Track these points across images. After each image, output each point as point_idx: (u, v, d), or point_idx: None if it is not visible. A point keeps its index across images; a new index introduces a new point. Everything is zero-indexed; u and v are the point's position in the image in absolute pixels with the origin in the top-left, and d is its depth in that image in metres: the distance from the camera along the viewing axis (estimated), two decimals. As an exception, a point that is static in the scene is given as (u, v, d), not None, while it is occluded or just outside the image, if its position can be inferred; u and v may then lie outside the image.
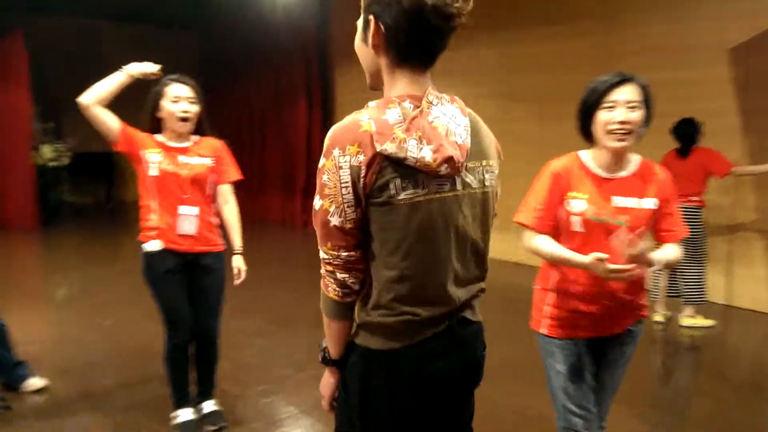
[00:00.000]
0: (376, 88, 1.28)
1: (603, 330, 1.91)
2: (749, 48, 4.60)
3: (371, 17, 1.18)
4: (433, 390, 1.26)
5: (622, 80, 1.79)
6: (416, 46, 1.18)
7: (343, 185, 1.14)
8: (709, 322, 4.36)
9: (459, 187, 1.21)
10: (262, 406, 3.06)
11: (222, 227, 2.71)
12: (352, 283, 1.23)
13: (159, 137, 2.59)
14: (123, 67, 2.50)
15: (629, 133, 1.78)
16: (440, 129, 1.17)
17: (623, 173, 1.87)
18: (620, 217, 1.80)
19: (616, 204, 1.82)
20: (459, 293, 1.26)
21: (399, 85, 1.21)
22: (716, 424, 2.94)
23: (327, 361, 1.33)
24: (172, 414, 2.73)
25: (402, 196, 1.15)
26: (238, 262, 2.73)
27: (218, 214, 2.72)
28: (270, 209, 10.22)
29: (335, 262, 1.21)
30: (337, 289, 1.23)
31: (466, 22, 1.18)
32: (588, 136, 1.89)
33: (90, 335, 4.06)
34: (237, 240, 2.72)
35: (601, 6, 5.58)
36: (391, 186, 1.14)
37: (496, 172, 1.31)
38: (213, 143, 2.71)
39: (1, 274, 5.98)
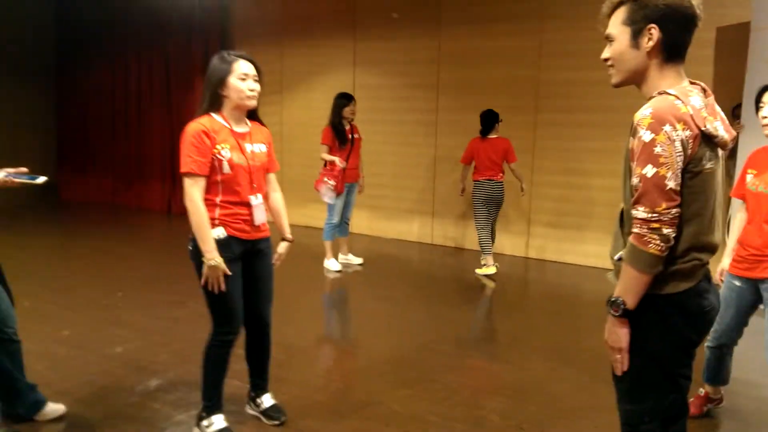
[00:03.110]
0: (624, 85, 1.57)
1: None
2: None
3: (651, 25, 1.47)
4: (707, 320, 1.58)
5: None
6: (683, 47, 1.51)
7: (677, 154, 1.41)
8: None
9: (720, 155, 1.55)
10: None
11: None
12: (673, 237, 1.45)
13: (219, 119, 2.44)
14: None
15: None
16: (717, 110, 1.52)
17: None
18: None
19: None
20: (717, 243, 1.56)
21: (667, 79, 1.51)
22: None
23: (626, 313, 1.51)
24: (204, 423, 2.55)
25: (708, 166, 1.47)
26: (284, 249, 2.74)
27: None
28: (151, 197, 9.49)
29: (664, 219, 1.42)
30: (661, 244, 1.43)
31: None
32: None
33: (54, 348, 3.55)
34: (287, 227, 2.77)
35: (533, 8, 6.13)
36: (704, 158, 1.46)
37: None
38: (265, 130, 2.64)
39: None
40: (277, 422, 2.70)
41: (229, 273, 2.39)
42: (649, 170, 1.41)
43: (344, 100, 5.49)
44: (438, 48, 6.80)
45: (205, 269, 2.35)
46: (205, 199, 2.43)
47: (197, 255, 2.43)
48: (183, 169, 2.38)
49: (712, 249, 1.55)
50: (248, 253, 2.54)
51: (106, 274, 5.46)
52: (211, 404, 2.57)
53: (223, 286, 2.38)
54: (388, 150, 7.11)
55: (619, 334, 1.55)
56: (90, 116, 10.14)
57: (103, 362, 3.37)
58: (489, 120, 5.53)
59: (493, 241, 5.72)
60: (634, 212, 1.45)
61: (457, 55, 6.66)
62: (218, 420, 2.57)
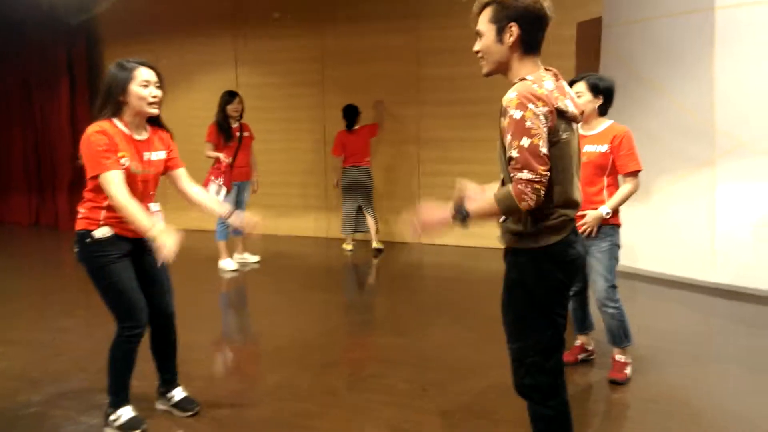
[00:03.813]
0: (493, 74, 1.87)
1: None
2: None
3: (512, 24, 1.75)
4: (576, 266, 1.88)
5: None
6: (538, 42, 1.81)
7: (543, 125, 1.69)
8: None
9: (575, 127, 1.85)
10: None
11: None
12: (542, 195, 1.69)
13: (120, 125, 2.44)
14: None
15: None
16: (567, 90, 1.82)
17: None
18: None
19: None
20: (578, 200, 1.86)
21: (526, 68, 1.79)
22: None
23: (464, 218, 1.78)
24: (112, 417, 2.53)
25: (564, 136, 1.76)
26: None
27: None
28: (15, 210, 8.71)
29: (543, 180, 1.68)
30: (533, 203, 1.69)
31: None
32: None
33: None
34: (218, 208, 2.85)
35: (409, 8, 6.46)
36: (560, 129, 1.74)
37: None
38: (165, 135, 2.69)
39: None
40: (190, 413, 2.71)
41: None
42: (525, 141, 1.67)
43: (227, 96, 5.50)
44: (322, 46, 6.96)
45: (159, 243, 2.26)
46: (91, 201, 2.45)
47: (86, 255, 2.45)
48: (94, 171, 2.34)
49: (576, 205, 1.86)
50: (138, 250, 2.54)
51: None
52: (118, 399, 2.56)
53: (172, 253, 2.28)
54: (277, 147, 7.13)
55: (436, 222, 1.84)
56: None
57: (-12, 379, 3.16)
58: (351, 114, 6.20)
59: (358, 223, 6.45)
60: (519, 175, 1.68)
61: (341, 53, 6.86)
62: (126, 411, 2.55)
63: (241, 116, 5.59)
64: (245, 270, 5.75)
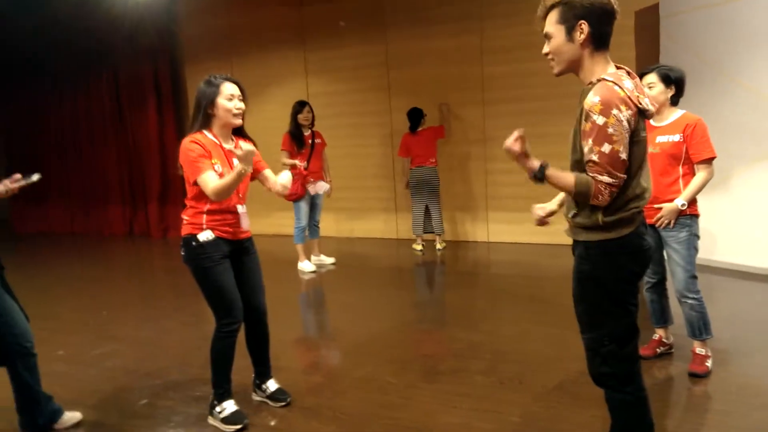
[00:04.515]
0: (564, 73, 1.93)
1: None
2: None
3: (581, 21, 1.80)
4: (647, 256, 1.94)
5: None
6: (607, 37, 1.86)
7: (625, 131, 1.76)
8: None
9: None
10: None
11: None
12: (614, 195, 1.80)
13: (210, 135, 2.71)
14: None
15: None
16: (643, 88, 1.89)
17: None
18: None
19: None
20: (649, 194, 1.93)
21: (599, 65, 1.85)
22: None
23: (540, 177, 1.87)
24: (217, 409, 2.77)
25: (642, 134, 1.84)
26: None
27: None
28: (113, 222, 9.45)
29: (620, 183, 1.78)
30: (603, 202, 1.80)
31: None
32: None
33: (53, 366, 3.66)
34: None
35: (472, 9, 6.56)
36: (640, 129, 1.82)
37: None
38: (248, 144, 2.88)
39: None
40: (283, 403, 2.95)
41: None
42: (606, 147, 1.75)
43: (298, 106, 5.80)
44: (385, 51, 7.15)
45: (240, 166, 2.48)
46: (194, 207, 2.71)
47: (192, 257, 2.69)
48: (194, 176, 2.60)
49: (646, 199, 1.92)
50: (236, 251, 2.80)
51: (85, 297, 5.54)
52: (222, 392, 2.80)
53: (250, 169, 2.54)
54: (346, 153, 7.39)
55: (522, 158, 1.91)
56: (39, 144, 9.97)
57: (105, 373, 3.53)
58: (415, 116, 6.36)
59: (426, 224, 6.58)
60: (600, 177, 1.77)
61: (405, 57, 7.03)
62: (230, 405, 2.80)
63: (312, 124, 5.86)
64: (322, 271, 6.02)
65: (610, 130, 1.74)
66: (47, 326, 4.51)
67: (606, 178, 1.77)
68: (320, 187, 5.87)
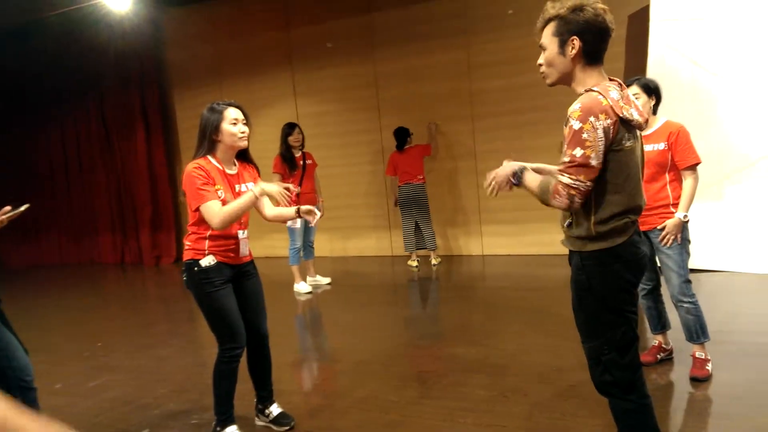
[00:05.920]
0: (557, 84, 1.98)
1: None
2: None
3: (573, 37, 1.86)
4: (641, 264, 1.95)
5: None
6: (601, 53, 1.91)
7: (599, 139, 1.79)
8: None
9: (638, 135, 1.93)
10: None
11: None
12: (578, 205, 1.84)
13: (214, 161, 2.73)
14: None
15: None
16: (632, 100, 1.91)
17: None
18: None
19: None
20: (642, 204, 1.95)
21: (591, 78, 1.90)
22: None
23: (517, 183, 2.00)
24: None
25: (627, 144, 1.85)
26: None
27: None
28: (104, 251, 9.40)
29: (581, 188, 1.80)
30: (563, 205, 1.84)
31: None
32: None
33: (51, 401, 3.62)
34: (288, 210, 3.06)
35: (461, 25, 6.64)
36: (624, 138, 1.83)
37: None
38: (251, 169, 2.94)
39: None
40: (287, 427, 2.92)
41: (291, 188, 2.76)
42: (578, 152, 1.79)
43: (288, 128, 5.82)
44: (374, 71, 7.22)
45: (267, 191, 2.72)
46: (195, 232, 2.71)
47: (194, 282, 2.68)
48: (197, 203, 2.61)
49: (639, 209, 1.94)
50: (237, 275, 2.81)
51: (81, 327, 5.50)
52: (225, 417, 2.78)
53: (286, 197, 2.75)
54: (338, 173, 7.42)
55: (504, 177, 2.04)
56: (27, 175, 9.90)
57: (104, 404, 3.49)
58: (401, 135, 6.47)
59: (418, 240, 6.64)
60: (560, 177, 1.82)
61: (393, 75, 7.10)
62: (232, 430, 2.78)
63: (302, 145, 5.89)
64: (318, 291, 6.00)
65: (585, 135, 1.78)
66: (44, 359, 4.45)
67: (565, 179, 1.81)
68: (315, 218, 5.74)
